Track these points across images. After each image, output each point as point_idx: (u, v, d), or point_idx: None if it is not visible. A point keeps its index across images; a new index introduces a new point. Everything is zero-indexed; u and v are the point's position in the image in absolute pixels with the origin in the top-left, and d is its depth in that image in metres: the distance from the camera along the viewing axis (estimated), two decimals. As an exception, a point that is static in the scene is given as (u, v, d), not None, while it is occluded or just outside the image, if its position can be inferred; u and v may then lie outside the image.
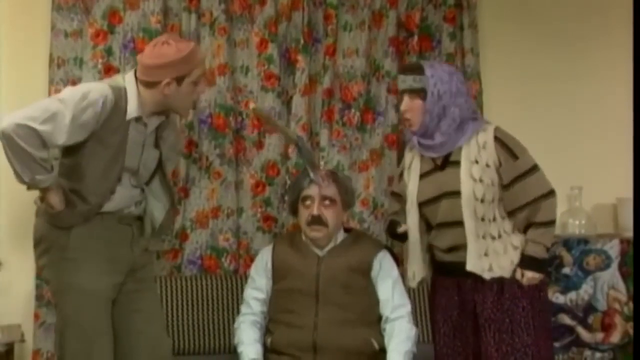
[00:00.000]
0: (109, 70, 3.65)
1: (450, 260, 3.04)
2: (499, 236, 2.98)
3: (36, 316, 3.58)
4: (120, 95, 2.87)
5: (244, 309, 3.35)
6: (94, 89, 2.85)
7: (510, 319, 2.95)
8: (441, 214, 3.04)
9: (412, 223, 3.14)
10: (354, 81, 3.92)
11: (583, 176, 4.00)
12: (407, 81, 3.01)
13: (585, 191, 4.01)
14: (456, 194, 2.99)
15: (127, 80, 2.93)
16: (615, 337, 3.82)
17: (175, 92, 2.91)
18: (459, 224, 2.98)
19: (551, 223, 3.00)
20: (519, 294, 2.96)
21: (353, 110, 3.92)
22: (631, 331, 3.75)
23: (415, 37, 3.98)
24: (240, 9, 3.84)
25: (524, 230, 3.01)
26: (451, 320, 3.09)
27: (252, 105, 3.40)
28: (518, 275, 2.96)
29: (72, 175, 2.88)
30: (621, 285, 3.83)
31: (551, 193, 3.00)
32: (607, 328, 3.83)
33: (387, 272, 3.29)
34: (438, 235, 3.08)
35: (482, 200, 2.96)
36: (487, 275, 2.98)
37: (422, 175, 3.11)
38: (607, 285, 3.83)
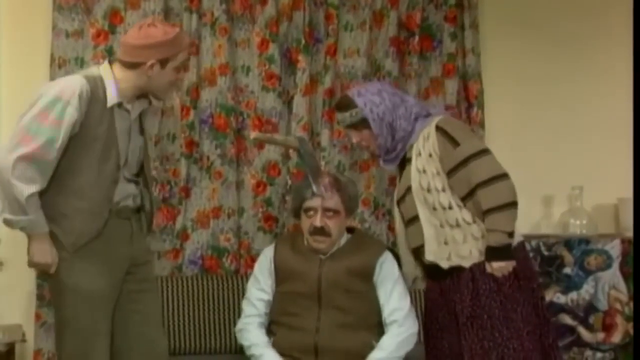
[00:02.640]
0: (110, 70, 3.66)
1: (428, 264, 3.06)
2: (457, 225, 2.97)
3: (37, 316, 3.59)
4: (96, 84, 2.84)
5: (248, 309, 3.32)
6: (66, 87, 2.80)
7: (488, 314, 2.95)
8: (407, 211, 3.10)
9: (397, 223, 3.22)
10: (355, 81, 3.91)
11: (584, 176, 4.00)
12: (346, 119, 3.10)
13: (586, 191, 4.00)
14: (411, 188, 3.05)
15: (102, 68, 2.91)
16: (617, 337, 3.82)
17: (158, 75, 2.89)
18: (419, 217, 3.02)
19: (504, 207, 2.90)
20: (495, 288, 2.95)
21: (354, 110, 3.92)
22: (632, 331, 3.75)
23: (416, 37, 3.98)
24: (241, 9, 3.84)
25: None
26: (437, 322, 3.11)
27: (253, 136, 3.37)
28: (488, 269, 2.95)
29: (68, 175, 2.84)
30: (622, 285, 3.82)
31: (499, 177, 2.92)
32: (608, 328, 3.82)
33: (387, 275, 3.27)
34: (409, 233, 3.13)
35: (429, 190, 2.99)
36: (445, 265, 2.99)
37: (400, 177, 3.19)
38: (608, 285, 3.82)
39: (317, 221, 3.22)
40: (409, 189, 3.06)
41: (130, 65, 2.88)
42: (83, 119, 2.80)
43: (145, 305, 3.04)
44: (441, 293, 3.09)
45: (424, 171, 3.00)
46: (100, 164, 2.86)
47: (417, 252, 3.14)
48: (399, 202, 3.17)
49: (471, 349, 2.96)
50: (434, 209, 2.99)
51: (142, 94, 2.96)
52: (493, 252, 2.94)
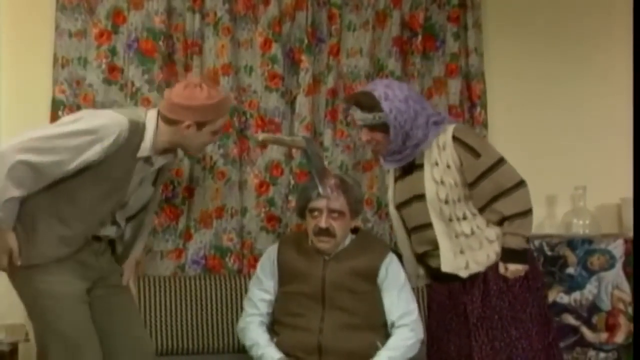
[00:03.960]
0: (112, 70, 3.67)
1: (436, 267, 3.07)
2: (472, 233, 3.00)
3: (40, 316, 3.58)
4: (136, 132, 2.82)
5: (250, 309, 3.32)
6: (108, 125, 2.77)
7: (498, 315, 2.97)
8: (414, 217, 3.09)
9: (396, 225, 3.22)
10: (357, 81, 3.91)
11: (587, 176, 4.00)
12: (366, 119, 3.02)
13: (589, 191, 4.00)
14: (423, 196, 3.03)
15: (149, 117, 2.89)
16: (620, 337, 3.81)
17: (193, 136, 2.90)
18: (430, 225, 3.02)
19: (526, 213, 2.97)
20: (505, 289, 2.97)
21: (357, 110, 3.92)
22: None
23: (419, 37, 3.98)
24: (244, 9, 3.84)
25: (499, 223, 3.00)
26: (444, 324, 3.12)
27: (260, 137, 3.34)
28: (502, 270, 2.97)
29: (62, 197, 2.82)
30: (625, 285, 3.82)
31: (520, 184, 2.98)
32: (611, 328, 3.82)
33: (393, 278, 3.26)
34: (415, 239, 3.14)
35: (446, 202, 2.99)
36: (463, 274, 3.00)
37: (397, 179, 3.17)
38: (612, 285, 3.82)
39: (323, 222, 3.21)
40: (417, 197, 3.04)
41: (168, 121, 2.88)
42: (104, 158, 2.78)
43: (123, 308, 3.04)
44: (449, 296, 3.09)
45: (442, 182, 2.99)
46: (98, 202, 2.84)
47: (423, 256, 3.13)
48: (400, 206, 3.16)
49: (481, 350, 2.97)
50: (450, 220, 2.99)
51: (170, 149, 2.97)
52: (512, 255, 2.96)
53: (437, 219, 3.01)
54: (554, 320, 3.15)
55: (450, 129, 3.02)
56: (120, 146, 2.78)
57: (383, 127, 3.00)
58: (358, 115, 3.05)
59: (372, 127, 3.03)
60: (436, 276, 3.14)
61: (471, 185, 2.98)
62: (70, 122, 2.81)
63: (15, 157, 2.68)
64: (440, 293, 3.14)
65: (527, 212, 2.98)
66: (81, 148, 2.73)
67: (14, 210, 2.76)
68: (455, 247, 3.00)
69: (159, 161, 2.96)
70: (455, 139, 2.99)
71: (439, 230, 3.01)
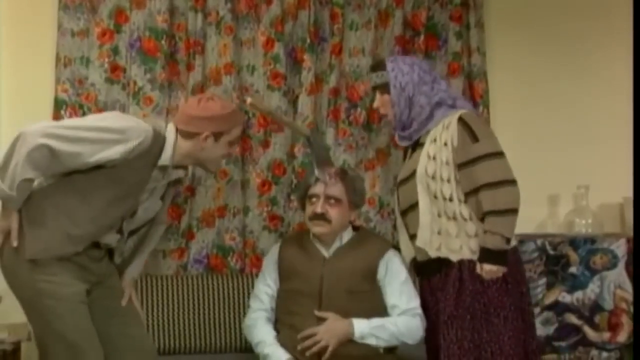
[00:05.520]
0: (115, 70, 3.67)
1: (420, 260, 3.07)
2: (454, 218, 2.97)
3: (43, 315, 3.58)
4: (157, 141, 2.87)
5: (255, 304, 3.29)
6: (134, 129, 2.81)
7: (470, 315, 2.94)
8: (408, 197, 3.08)
9: (395, 205, 3.24)
10: (360, 80, 3.91)
11: (590, 175, 4.00)
12: (372, 79, 3.17)
13: (591, 190, 4.00)
14: (415, 172, 3.04)
15: (169, 129, 2.95)
16: (622, 337, 3.81)
17: (211, 147, 2.96)
18: (417, 205, 3.02)
19: (508, 212, 2.90)
20: (480, 290, 2.95)
21: (359, 109, 3.92)
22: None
23: (422, 36, 3.98)
24: (246, 8, 3.84)
25: (482, 219, 2.95)
26: (430, 321, 3.11)
27: (249, 100, 3.25)
28: (478, 269, 2.94)
29: (76, 197, 2.83)
30: (628, 285, 3.81)
31: (508, 182, 2.92)
32: (613, 327, 3.82)
33: (393, 275, 3.23)
34: (408, 221, 3.12)
35: (434, 177, 2.98)
36: (433, 254, 2.99)
37: (405, 160, 3.21)
38: (614, 285, 3.81)
39: (319, 207, 3.22)
40: (414, 173, 3.04)
41: (186, 135, 2.94)
42: (122, 160, 2.80)
43: (121, 309, 3.05)
44: (431, 292, 3.10)
45: (434, 158, 2.99)
46: (111, 206, 2.86)
47: (412, 238, 3.13)
48: (400, 184, 3.17)
49: (448, 348, 2.95)
50: (435, 197, 2.98)
51: (186, 165, 3.05)
52: (488, 255, 2.92)
53: (422, 193, 3.00)
54: (535, 328, 3.09)
55: (460, 112, 3.03)
56: (141, 152, 2.82)
57: (386, 88, 3.09)
58: (369, 77, 3.25)
59: (377, 88, 3.14)
60: (418, 269, 3.14)
61: (459, 166, 2.96)
62: (99, 119, 2.88)
63: (38, 140, 2.69)
64: (425, 290, 3.15)
65: (509, 212, 2.90)
66: (105, 144, 2.77)
67: (26, 192, 2.78)
68: (435, 225, 2.99)
69: (173, 174, 3.02)
70: (460, 120, 2.99)
71: (423, 205, 3.00)
